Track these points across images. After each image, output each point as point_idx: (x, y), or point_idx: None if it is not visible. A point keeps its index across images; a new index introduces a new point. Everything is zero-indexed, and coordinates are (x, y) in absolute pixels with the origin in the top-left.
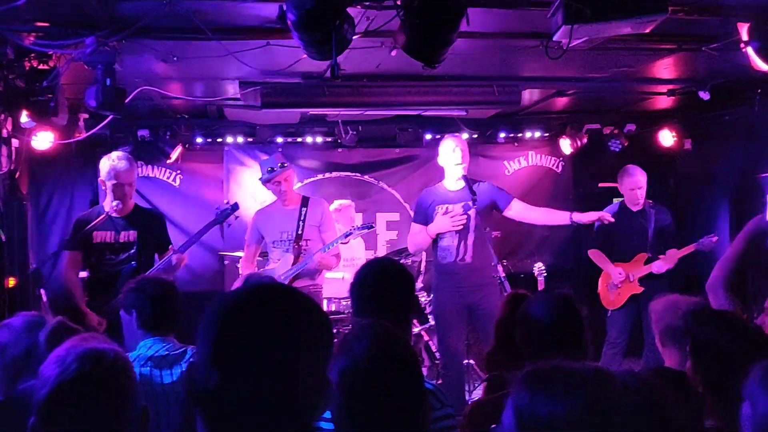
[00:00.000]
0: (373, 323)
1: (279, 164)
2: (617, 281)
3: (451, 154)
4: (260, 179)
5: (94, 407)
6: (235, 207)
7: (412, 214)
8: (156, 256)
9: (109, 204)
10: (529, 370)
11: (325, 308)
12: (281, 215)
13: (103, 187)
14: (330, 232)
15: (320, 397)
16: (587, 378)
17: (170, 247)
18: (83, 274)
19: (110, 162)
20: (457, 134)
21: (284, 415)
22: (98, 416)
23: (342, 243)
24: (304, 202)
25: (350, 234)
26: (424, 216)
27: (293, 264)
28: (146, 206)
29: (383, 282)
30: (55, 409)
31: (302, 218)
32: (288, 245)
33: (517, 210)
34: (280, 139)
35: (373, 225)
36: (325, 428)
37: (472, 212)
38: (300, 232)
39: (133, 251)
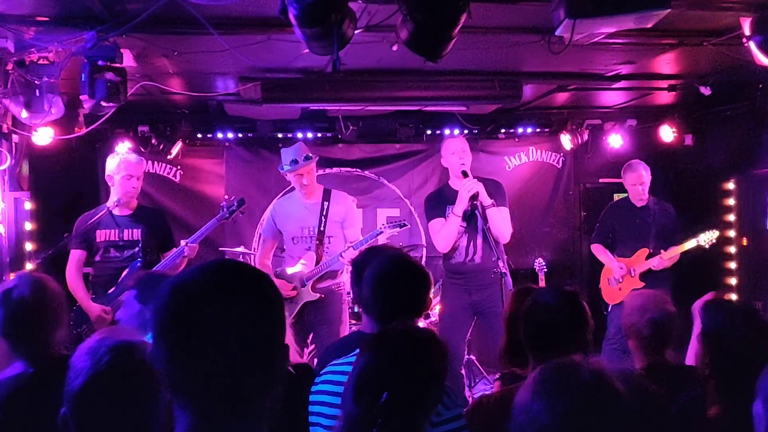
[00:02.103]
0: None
1: (303, 156)
2: (618, 276)
3: (453, 156)
4: (280, 168)
5: (126, 399)
6: (242, 203)
7: (412, 209)
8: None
9: (111, 201)
10: (538, 370)
11: (346, 304)
12: (301, 209)
13: (111, 183)
14: (354, 229)
15: (269, 375)
16: (590, 381)
17: (179, 241)
18: (87, 270)
19: (119, 156)
20: (459, 135)
21: (234, 393)
22: (130, 408)
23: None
24: (326, 195)
25: (381, 232)
26: (442, 211)
27: (317, 263)
28: (150, 205)
29: (410, 281)
30: (88, 400)
31: (324, 213)
32: (310, 242)
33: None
34: (280, 135)
35: (406, 222)
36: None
37: (476, 211)
38: (322, 228)
39: (137, 249)
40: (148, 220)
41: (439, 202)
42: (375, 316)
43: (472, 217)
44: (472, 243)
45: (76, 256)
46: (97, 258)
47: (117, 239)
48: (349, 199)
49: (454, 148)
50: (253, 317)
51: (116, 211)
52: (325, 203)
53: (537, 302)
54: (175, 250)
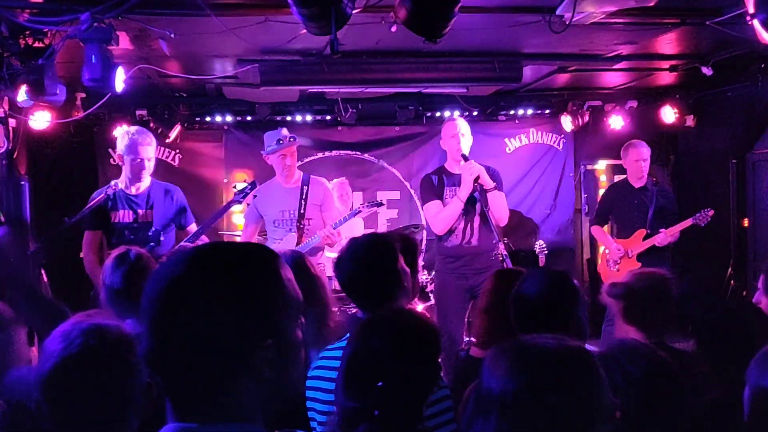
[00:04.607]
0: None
1: (288, 137)
2: (616, 257)
3: (453, 139)
4: (265, 151)
5: (98, 382)
6: (254, 185)
7: (412, 192)
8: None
9: (124, 180)
10: (498, 346)
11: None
12: (281, 193)
13: (121, 163)
14: (331, 212)
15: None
16: (553, 356)
17: (192, 224)
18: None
19: (129, 136)
20: (460, 117)
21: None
22: (102, 391)
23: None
24: (305, 180)
25: (359, 211)
26: (438, 194)
27: (297, 244)
28: (165, 182)
29: (363, 261)
30: (59, 384)
31: (304, 197)
32: (290, 224)
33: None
34: (279, 118)
35: (383, 202)
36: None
37: (476, 194)
38: (302, 210)
39: (151, 231)
40: (162, 199)
41: (436, 184)
42: (353, 302)
43: (471, 200)
44: (469, 226)
45: (90, 237)
46: (114, 240)
47: (132, 221)
48: (326, 185)
49: (454, 131)
50: (231, 313)
51: (130, 191)
52: (305, 187)
53: (524, 284)
54: (191, 234)
